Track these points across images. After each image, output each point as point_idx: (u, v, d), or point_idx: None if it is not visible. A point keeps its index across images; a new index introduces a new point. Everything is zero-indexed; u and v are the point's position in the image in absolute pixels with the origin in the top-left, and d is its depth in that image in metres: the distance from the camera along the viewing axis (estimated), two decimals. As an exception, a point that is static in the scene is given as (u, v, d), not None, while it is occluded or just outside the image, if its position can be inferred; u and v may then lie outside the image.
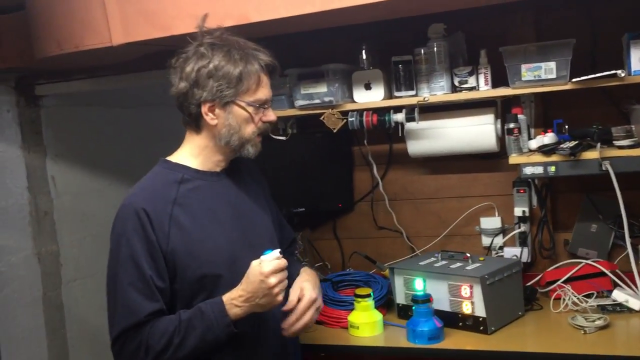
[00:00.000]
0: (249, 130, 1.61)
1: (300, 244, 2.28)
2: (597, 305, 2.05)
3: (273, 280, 1.47)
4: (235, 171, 1.72)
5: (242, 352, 1.60)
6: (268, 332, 1.63)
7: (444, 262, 2.13)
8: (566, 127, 2.11)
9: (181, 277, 1.55)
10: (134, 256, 1.50)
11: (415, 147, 2.33)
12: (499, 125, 2.22)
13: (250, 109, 1.59)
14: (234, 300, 1.50)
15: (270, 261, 1.49)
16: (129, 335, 1.50)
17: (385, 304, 2.19)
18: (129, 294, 1.50)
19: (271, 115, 1.63)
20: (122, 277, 1.51)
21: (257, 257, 1.65)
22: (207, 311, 1.50)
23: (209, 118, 1.58)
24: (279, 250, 1.51)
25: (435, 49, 2.15)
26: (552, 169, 1.97)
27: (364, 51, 2.26)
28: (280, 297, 1.50)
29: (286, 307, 1.61)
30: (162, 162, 1.66)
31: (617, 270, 2.14)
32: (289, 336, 1.62)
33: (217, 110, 1.58)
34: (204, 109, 1.58)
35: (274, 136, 2.42)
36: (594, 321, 1.92)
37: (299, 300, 1.62)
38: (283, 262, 1.50)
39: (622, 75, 1.88)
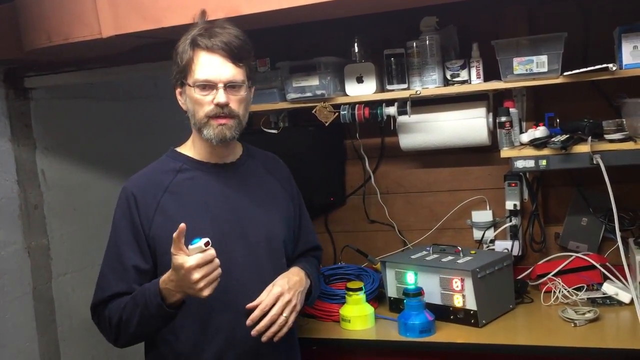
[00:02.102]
0: (201, 112, 1.58)
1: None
2: (587, 298, 2.06)
3: (196, 275, 1.40)
4: (249, 165, 1.74)
5: (220, 349, 1.61)
6: (247, 330, 1.60)
7: (435, 256, 2.14)
8: (557, 120, 2.12)
9: (161, 263, 1.58)
10: (117, 238, 1.61)
11: (407, 141, 2.33)
12: (490, 119, 2.22)
13: (195, 90, 1.57)
14: (167, 284, 1.48)
15: (194, 255, 1.41)
16: (97, 310, 1.62)
17: (376, 297, 2.19)
18: (105, 272, 1.62)
19: (217, 97, 1.55)
20: (105, 255, 1.63)
21: (250, 252, 1.65)
22: (145, 289, 1.52)
23: (180, 102, 1.66)
24: (206, 240, 1.41)
25: (427, 42, 2.14)
26: (544, 162, 1.98)
27: (356, 44, 2.25)
28: (206, 292, 1.43)
29: (249, 305, 1.57)
30: (170, 151, 1.72)
31: (607, 264, 2.15)
32: (256, 335, 1.57)
33: (182, 94, 1.64)
34: (177, 93, 1.66)
35: (265, 129, 2.41)
36: (584, 314, 1.93)
37: None
38: (208, 254, 1.41)
39: (614, 69, 1.89)
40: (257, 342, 1.61)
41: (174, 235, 1.41)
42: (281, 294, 1.60)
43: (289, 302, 1.61)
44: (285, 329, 1.60)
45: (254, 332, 1.57)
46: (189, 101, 1.61)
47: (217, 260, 1.44)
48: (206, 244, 1.41)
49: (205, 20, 1.65)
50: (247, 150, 1.78)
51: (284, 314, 1.59)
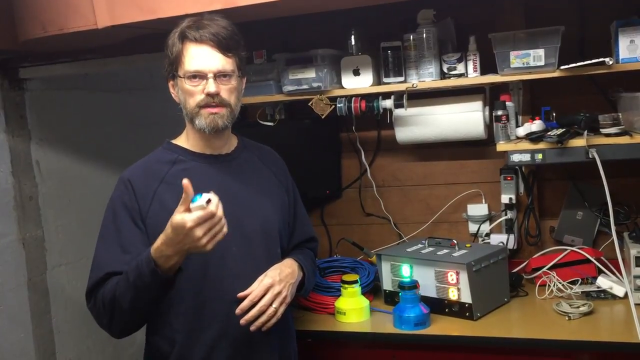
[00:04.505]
0: (192, 102, 1.60)
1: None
2: (582, 292, 2.07)
3: (199, 232, 1.38)
4: (244, 157, 1.75)
5: (214, 337, 1.62)
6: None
7: (430, 249, 2.14)
8: (554, 114, 2.12)
9: None
10: (115, 220, 1.60)
11: (403, 134, 2.33)
12: (487, 112, 2.22)
13: (186, 81, 1.59)
14: (162, 250, 1.44)
15: (194, 213, 1.38)
16: (92, 294, 1.58)
17: (372, 290, 2.20)
18: (100, 253, 1.60)
19: (208, 87, 1.57)
20: (100, 238, 1.61)
21: (245, 242, 1.65)
22: (137, 261, 1.49)
23: (173, 95, 1.67)
24: (208, 197, 1.39)
25: (424, 35, 2.14)
26: (539, 156, 1.98)
27: (352, 37, 2.24)
28: (209, 246, 1.42)
29: (240, 295, 1.58)
30: (165, 143, 1.73)
31: (602, 257, 2.16)
32: (244, 324, 1.57)
33: (175, 87, 1.65)
34: (169, 86, 1.67)
35: (261, 122, 2.41)
36: (578, 307, 1.94)
37: None
38: (208, 212, 1.38)
39: (610, 63, 1.89)
40: (251, 331, 1.61)
41: (184, 195, 1.38)
42: (272, 285, 1.61)
43: (279, 293, 1.62)
44: (274, 320, 1.60)
45: (242, 321, 1.57)
46: (180, 93, 1.63)
47: (219, 215, 1.41)
48: (208, 202, 1.38)
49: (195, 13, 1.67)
50: (242, 143, 1.79)
51: (274, 305, 1.60)
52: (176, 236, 1.41)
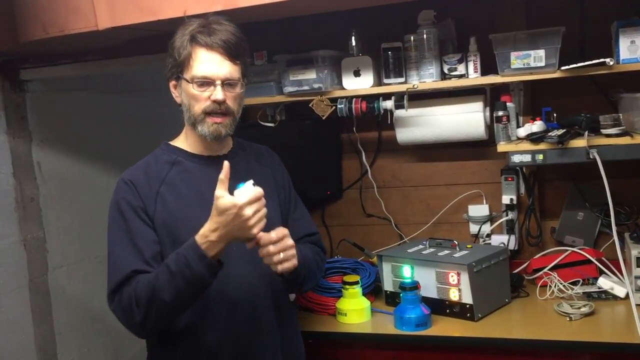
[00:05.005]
0: (197, 108, 1.60)
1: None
2: (583, 293, 2.07)
3: (249, 211, 1.42)
4: (241, 158, 1.75)
5: (219, 338, 1.61)
6: (244, 319, 1.62)
7: (431, 250, 2.14)
8: (554, 115, 2.12)
9: (162, 250, 1.58)
10: (124, 220, 1.59)
11: (404, 135, 2.33)
12: (487, 113, 2.22)
13: (193, 86, 1.58)
14: (208, 236, 1.45)
15: (242, 194, 1.42)
16: (118, 292, 1.54)
17: (373, 291, 2.20)
18: (118, 251, 1.58)
19: (215, 94, 1.58)
20: (112, 238, 1.60)
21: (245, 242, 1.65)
22: (181, 251, 1.49)
23: (175, 96, 1.66)
24: (251, 181, 1.46)
25: (425, 35, 2.14)
26: (540, 157, 1.98)
27: (353, 37, 2.24)
28: (255, 230, 1.45)
29: (256, 240, 1.50)
30: (163, 144, 1.73)
31: (603, 258, 2.16)
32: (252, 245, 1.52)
33: (178, 88, 1.64)
34: (170, 86, 1.66)
35: (262, 123, 2.41)
36: (579, 308, 1.94)
37: None
38: (257, 191, 1.44)
39: (611, 63, 1.89)
40: (254, 331, 1.62)
41: (221, 176, 1.43)
42: (287, 235, 1.56)
43: (291, 246, 1.56)
44: (272, 267, 1.55)
45: (262, 252, 1.52)
46: (184, 95, 1.62)
47: (264, 201, 1.46)
48: (254, 184, 1.44)
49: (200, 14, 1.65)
50: (238, 143, 1.80)
51: (282, 255, 1.54)
52: (225, 218, 1.43)
